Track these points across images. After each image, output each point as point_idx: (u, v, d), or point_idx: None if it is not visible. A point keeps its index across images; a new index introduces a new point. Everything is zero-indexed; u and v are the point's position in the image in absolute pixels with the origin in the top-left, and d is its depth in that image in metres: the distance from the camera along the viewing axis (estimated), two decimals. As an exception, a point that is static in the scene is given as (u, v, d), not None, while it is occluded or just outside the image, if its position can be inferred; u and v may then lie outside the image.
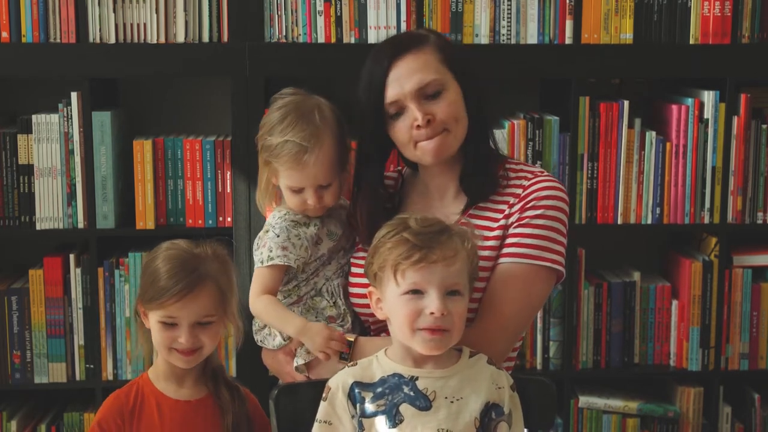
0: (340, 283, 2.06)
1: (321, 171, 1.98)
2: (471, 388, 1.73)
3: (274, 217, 2.05)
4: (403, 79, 1.91)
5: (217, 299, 1.87)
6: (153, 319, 1.88)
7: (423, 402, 1.71)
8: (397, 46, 1.94)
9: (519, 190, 1.95)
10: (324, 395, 1.76)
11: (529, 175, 1.98)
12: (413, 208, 2.03)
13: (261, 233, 2.06)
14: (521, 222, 1.91)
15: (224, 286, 1.89)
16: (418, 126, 1.90)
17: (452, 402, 1.71)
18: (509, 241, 1.92)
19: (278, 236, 2.00)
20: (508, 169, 2.00)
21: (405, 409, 1.70)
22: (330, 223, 2.07)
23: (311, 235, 2.03)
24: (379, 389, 1.73)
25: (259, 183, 2.08)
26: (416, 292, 1.70)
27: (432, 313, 1.69)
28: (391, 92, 1.91)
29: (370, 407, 1.72)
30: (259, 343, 2.12)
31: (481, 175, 1.96)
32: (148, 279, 1.88)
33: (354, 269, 2.04)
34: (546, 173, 2.00)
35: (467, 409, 1.71)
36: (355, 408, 1.73)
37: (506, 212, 1.94)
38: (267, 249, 2.00)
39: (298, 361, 1.99)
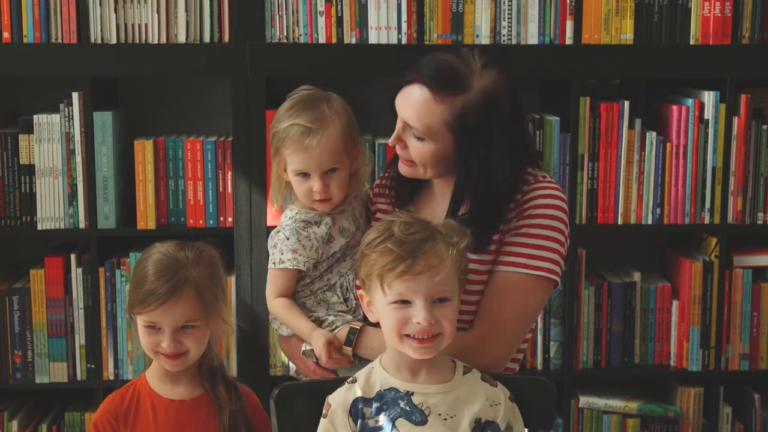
0: (354, 278, 2.07)
1: (325, 153, 1.99)
2: (464, 406, 1.73)
3: (285, 217, 2.08)
4: (402, 104, 1.94)
5: (199, 304, 1.86)
6: (139, 323, 1.88)
7: (419, 417, 1.71)
8: (433, 75, 1.90)
9: (518, 196, 1.95)
10: (324, 412, 1.76)
11: (530, 179, 1.97)
12: (421, 200, 2.05)
13: (273, 232, 2.09)
14: (518, 230, 1.91)
15: (207, 290, 1.87)
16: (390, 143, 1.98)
17: (446, 419, 1.71)
18: (505, 249, 1.92)
19: (288, 239, 2.03)
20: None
21: (401, 423, 1.71)
22: (343, 219, 2.09)
23: (322, 234, 2.05)
24: (377, 404, 1.73)
25: (272, 181, 2.11)
26: (403, 302, 1.70)
27: (419, 323, 1.69)
28: (396, 101, 1.96)
29: (369, 423, 1.72)
30: (276, 330, 2.17)
31: (474, 225, 1.89)
32: (134, 282, 1.89)
33: None
34: (547, 178, 1.99)
35: (460, 428, 1.71)
36: (356, 424, 1.73)
37: (504, 218, 1.94)
38: (278, 251, 2.04)
39: (306, 346, 2.02)
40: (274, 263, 2.05)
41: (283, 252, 2.03)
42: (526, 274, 1.89)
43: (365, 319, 2.02)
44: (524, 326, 1.95)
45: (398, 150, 1.98)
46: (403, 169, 2.00)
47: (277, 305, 2.05)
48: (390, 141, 1.97)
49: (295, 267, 2.02)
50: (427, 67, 1.92)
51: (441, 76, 1.89)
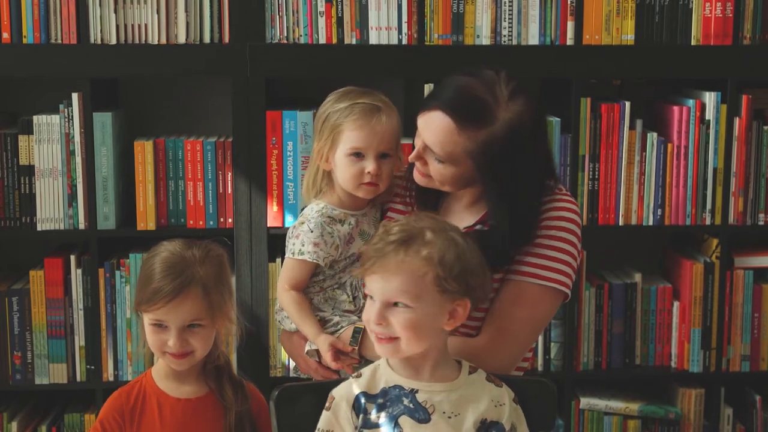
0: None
1: (389, 133, 2.00)
2: (469, 405, 1.73)
3: (311, 210, 2.06)
4: (424, 128, 1.90)
5: (206, 303, 1.86)
6: (146, 322, 1.88)
7: (422, 414, 1.71)
8: (456, 104, 1.85)
9: None
10: (327, 405, 1.76)
11: (546, 191, 1.96)
12: (442, 207, 2.05)
13: (296, 223, 2.08)
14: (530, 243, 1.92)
15: (213, 289, 1.87)
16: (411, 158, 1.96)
17: (450, 417, 1.72)
18: (518, 258, 1.92)
19: (312, 231, 2.02)
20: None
21: (404, 420, 1.71)
22: (364, 222, 2.09)
23: (345, 233, 2.04)
24: (381, 400, 1.74)
25: (308, 172, 2.11)
26: (371, 297, 1.74)
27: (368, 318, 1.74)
28: (418, 120, 1.93)
29: (371, 418, 1.72)
30: (278, 324, 2.16)
31: (497, 242, 1.90)
32: (141, 280, 1.89)
33: None
34: (563, 191, 1.99)
35: (463, 427, 1.71)
36: (358, 418, 1.73)
37: None
38: (300, 242, 2.02)
39: (310, 345, 2.03)
40: (293, 253, 2.02)
41: (304, 243, 2.01)
42: (537, 284, 1.90)
43: None
44: (531, 336, 1.96)
45: (417, 164, 1.96)
46: (418, 179, 1.97)
47: (288, 298, 2.03)
48: (410, 157, 1.95)
49: (314, 261, 2.00)
50: (450, 95, 1.87)
51: (465, 107, 1.84)
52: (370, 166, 1.99)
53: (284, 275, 2.05)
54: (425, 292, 1.70)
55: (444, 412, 1.71)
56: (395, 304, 1.71)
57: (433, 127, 1.87)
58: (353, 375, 1.79)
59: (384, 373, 1.77)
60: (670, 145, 2.82)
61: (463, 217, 1.99)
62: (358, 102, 2.00)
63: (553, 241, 1.90)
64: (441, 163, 1.89)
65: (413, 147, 1.95)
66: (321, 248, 2.01)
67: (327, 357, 1.94)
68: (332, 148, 2.03)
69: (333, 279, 2.06)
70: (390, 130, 2.00)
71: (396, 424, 1.71)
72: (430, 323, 1.72)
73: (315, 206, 2.07)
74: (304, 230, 2.03)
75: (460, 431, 1.71)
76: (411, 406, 1.72)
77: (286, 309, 2.06)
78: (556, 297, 1.92)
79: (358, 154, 2.00)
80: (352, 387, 1.76)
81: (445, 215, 2.01)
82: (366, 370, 1.79)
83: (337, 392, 1.77)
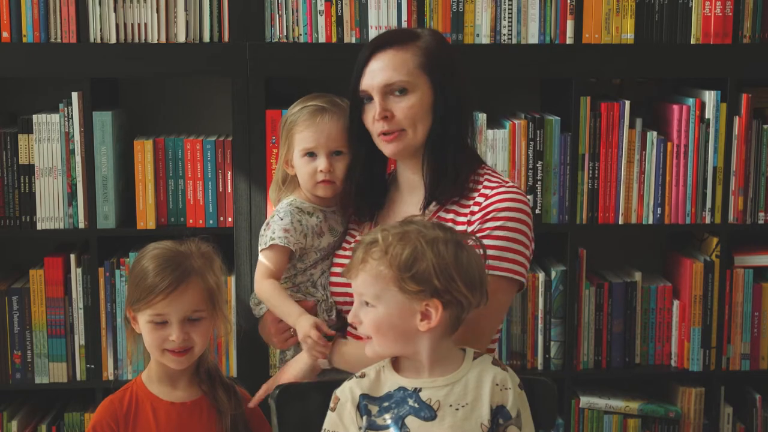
0: (330, 275, 2.12)
1: (335, 130, 2.06)
2: (476, 392, 1.73)
3: (281, 204, 2.13)
4: (375, 72, 1.99)
5: (205, 294, 1.88)
6: (143, 320, 1.87)
7: (428, 413, 1.71)
8: (385, 39, 2.02)
9: (481, 199, 1.98)
10: (332, 405, 1.77)
11: (494, 184, 2.00)
12: (389, 203, 2.11)
13: (268, 219, 2.13)
14: (482, 234, 1.94)
15: (211, 281, 1.90)
16: (377, 119, 2.00)
17: (457, 409, 1.71)
18: None
19: (282, 219, 2.08)
20: (477, 174, 2.03)
21: (411, 421, 1.71)
22: (332, 218, 2.14)
23: (314, 224, 2.10)
24: (386, 403, 1.74)
25: (274, 177, 2.18)
26: None
27: None
28: (364, 82, 2.01)
29: (376, 421, 1.73)
30: (257, 316, 2.21)
31: (443, 177, 2.00)
32: (135, 280, 1.88)
33: (336, 260, 2.11)
34: (509, 183, 2.02)
35: (473, 415, 1.72)
36: (363, 419, 1.73)
37: (469, 219, 1.98)
38: (270, 231, 2.08)
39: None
40: (264, 244, 2.07)
41: (274, 231, 2.06)
42: (492, 275, 1.90)
43: (338, 320, 2.09)
44: (494, 326, 2.00)
45: (384, 126, 1.98)
46: (392, 147, 2.00)
47: (265, 287, 2.05)
48: (377, 115, 1.98)
49: (284, 245, 2.05)
50: (375, 39, 2.04)
51: (392, 34, 2.04)
52: (321, 164, 2.07)
53: (259, 268, 2.09)
54: (385, 291, 1.72)
55: (451, 405, 1.72)
56: (367, 303, 1.74)
57: (380, 65, 1.98)
58: (356, 375, 1.79)
59: (388, 376, 1.77)
60: (669, 144, 2.82)
61: (411, 205, 2.04)
62: (307, 105, 2.09)
63: (504, 232, 1.94)
64: (404, 95, 1.97)
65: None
66: (291, 234, 2.06)
67: (311, 334, 1.93)
68: (290, 151, 2.11)
69: (305, 275, 2.10)
70: (336, 128, 2.07)
71: (403, 425, 1.71)
72: (396, 323, 1.72)
73: (285, 200, 2.14)
74: (274, 220, 2.09)
75: (470, 421, 1.71)
76: (416, 405, 1.72)
77: (264, 298, 2.09)
78: (511, 286, 1.96)
79: (311, 154, 2.08)
80: (356, 387, 1.76)
81: (392, 212, 2.08)
82: (370, 371, 1.79)
83: (341, 393, 1.77)
